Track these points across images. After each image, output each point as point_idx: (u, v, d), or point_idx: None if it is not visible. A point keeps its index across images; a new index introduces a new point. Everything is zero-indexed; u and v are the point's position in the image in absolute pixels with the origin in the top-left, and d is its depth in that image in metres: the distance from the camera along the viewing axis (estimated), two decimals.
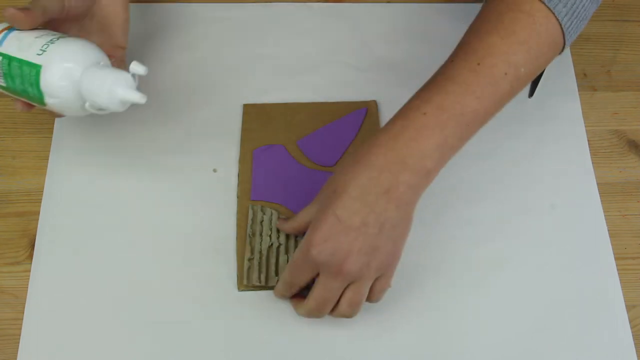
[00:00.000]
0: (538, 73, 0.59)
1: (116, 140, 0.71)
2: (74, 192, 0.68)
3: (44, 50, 0.56)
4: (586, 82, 0.78)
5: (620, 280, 0.66)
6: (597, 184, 0.71)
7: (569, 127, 0.74)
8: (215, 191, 0.69)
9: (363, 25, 0.80)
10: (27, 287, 0.64)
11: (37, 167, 0.70)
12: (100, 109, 0.58)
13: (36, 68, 0.56)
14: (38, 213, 0.67)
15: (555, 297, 0.65)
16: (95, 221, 0.67)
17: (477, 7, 0.62)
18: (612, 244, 0.68)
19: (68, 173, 0.69)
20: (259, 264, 0.64)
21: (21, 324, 0.62)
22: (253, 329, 0.63)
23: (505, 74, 0.55)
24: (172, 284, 0.64)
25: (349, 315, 0.58)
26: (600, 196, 0.70)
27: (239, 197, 0.68)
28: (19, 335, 0.62)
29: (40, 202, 0.68)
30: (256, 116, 0.73)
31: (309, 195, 0.62)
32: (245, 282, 0.64)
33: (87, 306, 0.63)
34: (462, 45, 0.57)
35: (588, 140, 0.73)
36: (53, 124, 0.72)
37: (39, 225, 0.67)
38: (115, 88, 0.55)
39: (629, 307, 0.65)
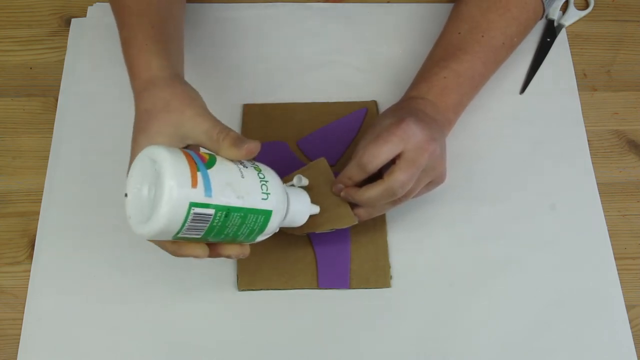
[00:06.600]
0: (524, 38, 0.71)
1: (116, 141, 0.70)
2: (74, 192, 0.68)
3: (268, 193, 0.51)
4: (586, 82, 0.78)
5: (620, 280, 0.66)
6: (597, 184, 0.71)
7: (569, 127, 0.74)
8: None
9: (363, 25, 0.80)
10: (27, 287, 0.64)
11: (37, 167, 0.70)
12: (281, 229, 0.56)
13: (266, 214, 0.51)
14: (38, 213, 0.67)
15: (555, 297, 0.65)
16: (95, 221, 0.67)
17: None
18: (612, 244, 0.68)
19: (68, 173, 0.69)
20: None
21: (21, 324, 0.62)
22: (253, 329, 0.63)
23: (503, 43, 0.68)
24: (172, 284, 0.64)
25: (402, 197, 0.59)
26: (600, 196, 0.70)
27: None
28: (19, 335, 0.62)
29: (40, 202, 0.68)
30: (256, 116, 0.73)
31: None
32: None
33: (86, 306, 0.63)
34: (465, 18, 0.69)
35: (588, 140, 0.73)
36: (53, 124, 0.72)
37: (39, 225, 0.67)
38: (308, 210, 0.57)
39: (629, 307, 0.65)
